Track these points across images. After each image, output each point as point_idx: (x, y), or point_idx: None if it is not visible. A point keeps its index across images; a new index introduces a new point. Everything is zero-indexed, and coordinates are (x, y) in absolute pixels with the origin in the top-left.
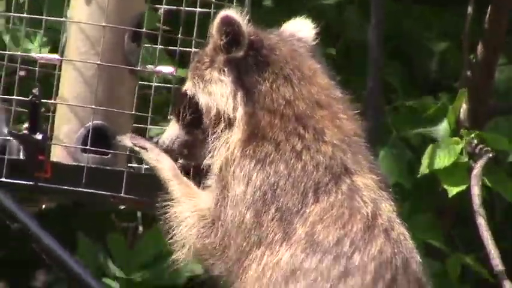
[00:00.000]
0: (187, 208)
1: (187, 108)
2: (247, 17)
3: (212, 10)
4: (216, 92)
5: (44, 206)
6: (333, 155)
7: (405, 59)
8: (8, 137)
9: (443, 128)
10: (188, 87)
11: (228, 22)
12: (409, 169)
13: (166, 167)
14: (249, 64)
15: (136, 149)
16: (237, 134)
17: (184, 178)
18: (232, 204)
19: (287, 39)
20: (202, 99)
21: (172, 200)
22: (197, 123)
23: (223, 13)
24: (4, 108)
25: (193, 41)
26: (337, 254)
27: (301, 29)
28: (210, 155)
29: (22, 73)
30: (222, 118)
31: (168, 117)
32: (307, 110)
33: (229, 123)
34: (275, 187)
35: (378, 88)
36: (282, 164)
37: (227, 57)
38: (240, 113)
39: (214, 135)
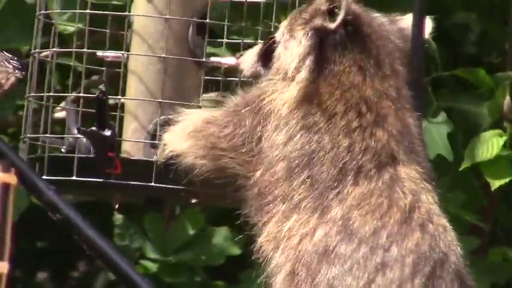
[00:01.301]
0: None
1: (271, 52)
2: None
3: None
4: (291, 48)
5: (117, 206)
6: (386, 143)
7: (443, 33)
8: (78, 136)
9: (485, 116)
10: (278, 33)
11: None
12: (451, 142)
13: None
14: (333, 40)
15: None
16: (291, 91)
17: None
18: (269, 141)
19: (385, 32)
20: (279, 49)
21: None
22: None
23: None
24: (73, 109)
25: (259, 31)
26: (373, 245)
27: (407, 26)
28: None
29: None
30: (284, 73)
31: None
32: (373, 96)
33: (287, 80)
34: (314, 155)
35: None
36: (327, 136)
37: (320, 24)
38: (301, 76)
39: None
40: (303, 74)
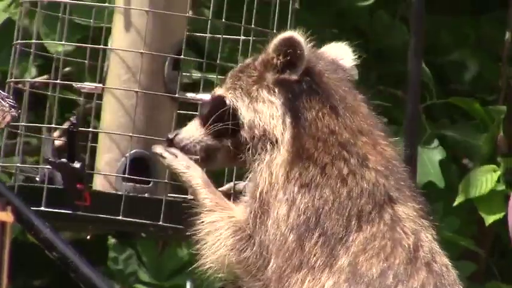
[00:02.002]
0: (222, 218)
1: (222, 117)
2: (309, 41)
3: (251, 38)
4: (264, 112)
5: (88, 237)
6: (376, 181)
7: (439, 70)
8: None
9: (479, 148)
10: (228, 96)
11: (291, 43)
12: (443, 169)
13: (196, 175)
14: (300, 89)
15: (166, 154)
16: (282, 155)
17: (214, 188)
18: (274, 224)
19: (333, 66)
20: (247, 115)
21: (204, 209)
22: (229, 134)
23: (289, 33)
24: (49, 139)
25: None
26: (380, 286)
27: (342, 56)
28: (249, 177)
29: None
30: (268, 139)
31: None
32: (350, 138)
33: (274, 145)
34: (320, 212)
35: (416, 90)
36: (327, 188)
37: (279, 77)
38: (287, 136)
39: (255, 157)
40: (288, 133)
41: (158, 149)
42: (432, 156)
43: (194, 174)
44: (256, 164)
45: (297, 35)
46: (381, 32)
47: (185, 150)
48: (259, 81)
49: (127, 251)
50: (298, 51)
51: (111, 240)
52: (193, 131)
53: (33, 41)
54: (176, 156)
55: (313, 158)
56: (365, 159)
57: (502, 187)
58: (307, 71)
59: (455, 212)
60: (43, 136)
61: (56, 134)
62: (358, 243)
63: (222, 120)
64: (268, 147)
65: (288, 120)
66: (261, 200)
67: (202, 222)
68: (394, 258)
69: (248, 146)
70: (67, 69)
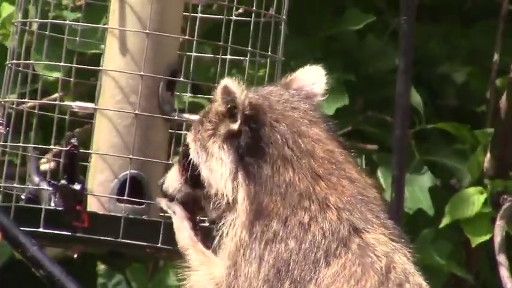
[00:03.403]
0: (203, 276)
1: (191, 167)
2: (246, 87)
3: (247, 58)
4: (216, 170)
5: (75, 255)
6: (338, 218)
7: (425, 84)
8: (41, 186)
9: (467, 172)
10: (191, 151)
11: (227, 92)
12: (432, 195)
13: (185, 236)
14: (248, 143)
15: (168, 211)
16: (240, 217)
17: (201, 246)
18: (247, 281)
19: (291, 103)
20: (204, 173)
21: (190, 268)
22: (201, 184)
23: (224, 81)
24: (34, 157)
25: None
26: None
27: (315, 81)
28: (218, 236)
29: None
30: (222, 199)
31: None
32: (309, 186)
33: (231, 205)
34: (288, 262)
35: (405, 116)
36: (292, 239)
37: (227, 131)
38: (240, 195)
39: (221, 215)
40: (242, 192)
41: (162, 203)
42: (422, 183)
43: (183, 236)
44: (222, 223)
45: (232, 82)
46: (370, 57)
47: (171, 198)
48: (213, 134)
49: (116, 277)
50: (233, 100)
51: (100, 267)
52: (174, 179)
53: (25, 61)
54: (174, 213)
55: (273, 214)
56: (325, 202)
57: (488, 209)
58: (253, 120)
59: (446, 236)
60: (29, 154)
61: (49, 155)
62: (328, 277)
63: (193, 172)
64: (227, 207)
65: (239, 178)
66: (230, 260)
67: (188, 281)
68: (365, 282)
69: (213, 201)
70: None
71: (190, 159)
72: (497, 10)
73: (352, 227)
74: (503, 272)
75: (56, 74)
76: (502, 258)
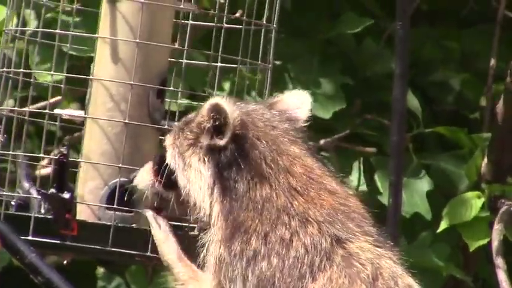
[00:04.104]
0: None
1: (167, 171)
2: (235, 104)
3: (238, 66)
4: (194, 181)
5: (65, 262)
6: (319, 232)
7: (420, 89)
8: (30, 194)
9: (464, 177)
10: (168, 155)
11: (217, 110)
12: (430, 200)
13: (171, 250)
14: (229, 159)
15: (153, 224)
16: (217, 233)
17: (188, 261)
18: None
19: (271, 122)
20: (181, 182)
21: (179, 282)
22: (174, 187)
23: (215, 100)
24: (25, 163)
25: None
26: None
27: (299, 106)
28: (203, 249)
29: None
30: (202, 213)
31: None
32: (287, 201)
33: (209, 219)
34: (273, 280)
35: (402, 121)
36: (274, 256)
37: (209, 144)
38: (215, 210)
39: (204, 230)
40: (217, 207)
41: (148, 214)
42: (419, 187)
43: (169, 250)
44: (204, 235)
45: (224, 101)
46: (368, 60)
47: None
48: (194, 145)
49: (116, 280)
50: (223, 119)
51: (100, 270)
52: (146, 178)
53: (17, 69)
54: (160, 227)
55: (251, 230)
56: (305, 216)
57: (486, 213)
58: (238, 140)
59: (444, 239)
60: (19, 160)
61: (44, 162)
62: None
63: (169, 175)
64: (205, 219)
65: (216, 193)
66: (215, 278)
67: None
68: None
69: (194, 212)
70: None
71: (166, 163)
72: (494, 16)
73: (335, 238)
74: (502, 275)
75: (49, 78)
76: (499, 261)
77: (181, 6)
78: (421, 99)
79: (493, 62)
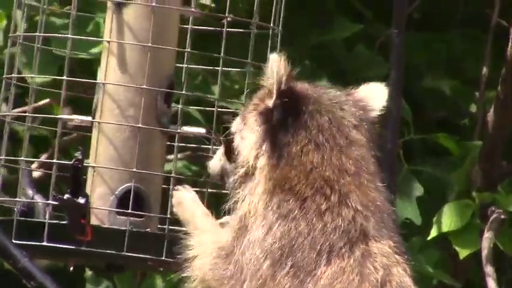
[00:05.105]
0: (210, 238)
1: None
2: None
3: (248, 69)
4: (247, 138)
5: (71, 268)
6: (352, 220)
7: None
8: (36, 199)
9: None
10: (234, 123)
11: (271, 69)
12: (420, 205)
13: (195, 204)
14: (283, 121)
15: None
16: (261, 185)
17: (213, 218)
18: (250, 246)
19: (341, 104)
20: (236, 141)
21: (196, 230)
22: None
23: (271, 59)
24: (28, 170)
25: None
26: None
27: (375, 96)
28: (232, 202)
29: None
30: (245, 165)
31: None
32: (333, 175)
33: (254, 172)
34: (293, 242)
35: (396, 128)
36: (303, 221)
37: (264, 107)
38: (261, 162)
39: (238, 184)
40: (263, 160)
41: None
42: (409, 192)
43: (188, 204)
44: (240, 190)
45: (276, 62)
46: (360, 65)
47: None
48: (255, 109)
49: (104, 283)
50: (274, 77)
51: (88, 273)
52: (218, 160)
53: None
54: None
55: (294, 191)
56: (346, 197)
57: (476, 221)
58: (295, 104)
59: (434, 245)
60: (21, 166)
61: (34, 165)
62: (326, 277)
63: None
64: (248, 175)
65: (265, 147)
66: (241, 223)
67: (193, 242)
68: None
69: (236, 171)
70: (46, 100)
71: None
72: (487, 23)
73: (363, 232)
74: (491, 283)
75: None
76: (489, 269)
77: (192, 9)
78: (410, 106)
79: (485, 70)
